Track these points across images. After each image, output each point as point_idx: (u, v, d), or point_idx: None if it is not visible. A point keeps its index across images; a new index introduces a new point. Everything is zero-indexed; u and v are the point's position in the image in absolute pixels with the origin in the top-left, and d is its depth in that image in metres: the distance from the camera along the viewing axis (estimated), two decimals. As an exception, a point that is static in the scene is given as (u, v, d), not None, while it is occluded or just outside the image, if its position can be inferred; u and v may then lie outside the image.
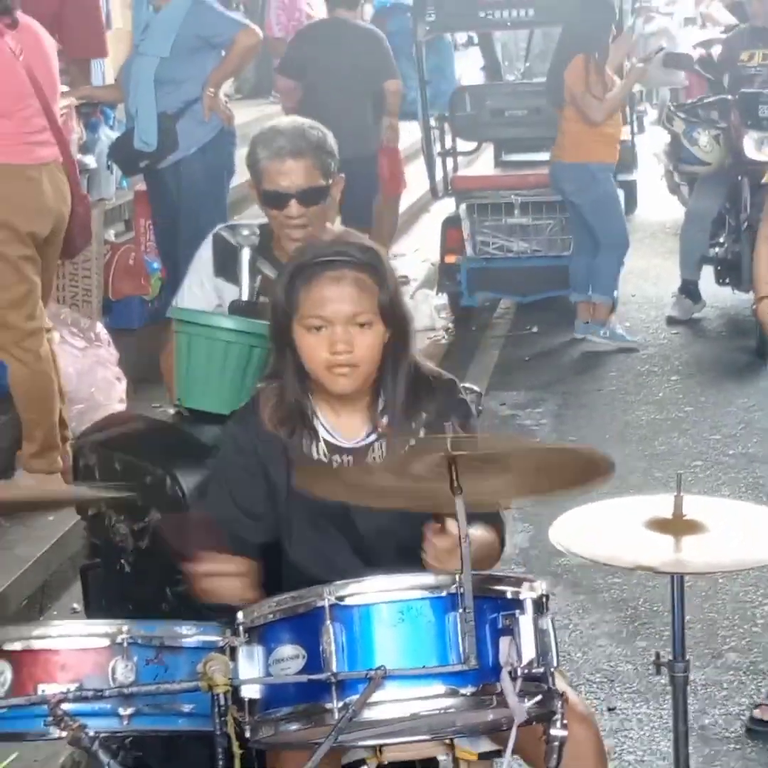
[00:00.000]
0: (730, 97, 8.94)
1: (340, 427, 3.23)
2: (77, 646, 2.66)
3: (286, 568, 3.27)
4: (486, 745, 3.24)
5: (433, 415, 3.20)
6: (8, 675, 2.63)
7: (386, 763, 3.27)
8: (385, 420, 3.22)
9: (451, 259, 9.32)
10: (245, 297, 3.83)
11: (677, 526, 2.93)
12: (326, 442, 3.22)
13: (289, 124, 3.96)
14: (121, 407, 6.33)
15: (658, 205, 11.96)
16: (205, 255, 4.07)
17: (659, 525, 2.94)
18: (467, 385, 3.95)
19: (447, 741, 3.26)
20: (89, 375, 6.32)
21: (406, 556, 3.08)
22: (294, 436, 3.20)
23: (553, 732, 2.69)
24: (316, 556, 3.22)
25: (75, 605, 5.08)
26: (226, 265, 3.98)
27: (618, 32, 9.30)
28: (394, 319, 3.16)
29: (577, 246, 8.91)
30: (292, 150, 3.83)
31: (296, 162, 3.83)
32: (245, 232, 3.84)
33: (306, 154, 3.84)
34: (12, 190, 5.62)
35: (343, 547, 3.23)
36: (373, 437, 3.22)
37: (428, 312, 9.40)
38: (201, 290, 4.05)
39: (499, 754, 3.25)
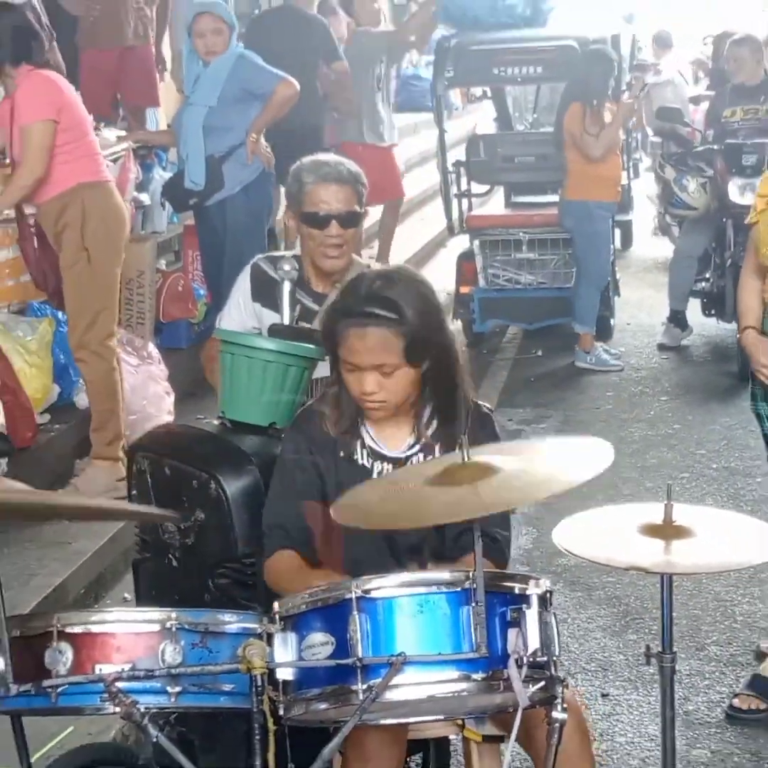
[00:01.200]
0: (716, 147, 8.95)
1: (385, 437, 3.25)
2: (131, 630, 2.68)
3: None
4: (490, 729, 3.25)
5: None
6: (69, 655, 2.64)
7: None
8: (429, 432, 3.23)
9: (465, 289, 9.32)
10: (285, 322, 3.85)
11: (667, 531, 2.92)
12: (370, 448, 3.24)
13: (330, 157, 4.04)
14: (169, 418, 6.34)
15: (650, 243, 11.95)
16: (244, 283, 4.09)
17: (651, 530, 2.93)
18: (479, 402, 3.96)
19: (458, 722, 3.27)
20: (142, 389, 6.33)
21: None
22: (345, 436, 3.23)
23: (554, 714, 2.69)
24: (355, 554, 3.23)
25: (126, 595, 5.09)
26: (262, 292, 4.00)
27: (616, 86, 9.32)
28: (428, 354, 3.13)
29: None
30: (337, 177, 3.89)
31: (339, 187, 3.88)
32: (286, 267, 3.86)
33: (347, 181, 3.89)
34: (113, 207, 5.71)
35: (378, 548, 3.24)
36: (415, 448, 3.24)
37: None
38: (239, 314, 4.08)
39: (500, 739, 3.25)
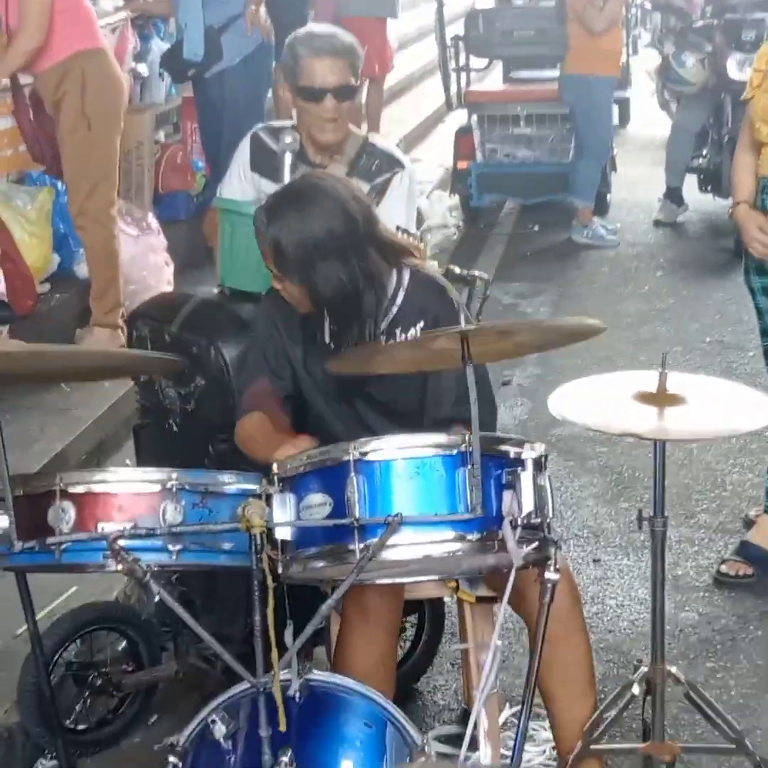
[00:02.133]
0: (715, 22, 8.81)
1: None
2: (132, 490, 2.70)
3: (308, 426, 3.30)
4: (483, 591, 3.30)
5: (430, 319, 3.21)
6: (72, 514, 2.67)
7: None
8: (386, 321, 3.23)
9: (463, 164, 9.24)
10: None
11: (661, 399, 2.93)
12: (332, 330, 3.22)
13: (324, 29, 3.95)
14: (168, 289, 6.32)
15: (649, 120, 11.82)
16: (243, 152, 4.04)
17: (645, 398, 2.94)
18: (477, 273, 3.95)
19: (452, 584, 3.30)
20: (141, 259, 6.31)
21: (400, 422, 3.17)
22: (305, 317, 3.23)
23: (547, 575, 2.72)
24: (329, 419, 3.29)
25: (127, 461, 5.10)
26: (261, 162, 3.96)
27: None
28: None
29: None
30: (331, 50, 3.80)
31: (333, 60, 3.79)
32: (288, 139, 3.80)
33: (342, 54, 3.81)
34: (111, 74, 5.64)
35: (343, 412, 3.28)
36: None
37: (442, 211, 9.37)
38: (239, 183, 4.05)
39: (493, 600, 3.29)
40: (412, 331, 3.23)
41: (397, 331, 3.23)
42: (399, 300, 3.24)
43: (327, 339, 3.21)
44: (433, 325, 3.18)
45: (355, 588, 2.70)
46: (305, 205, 3.07)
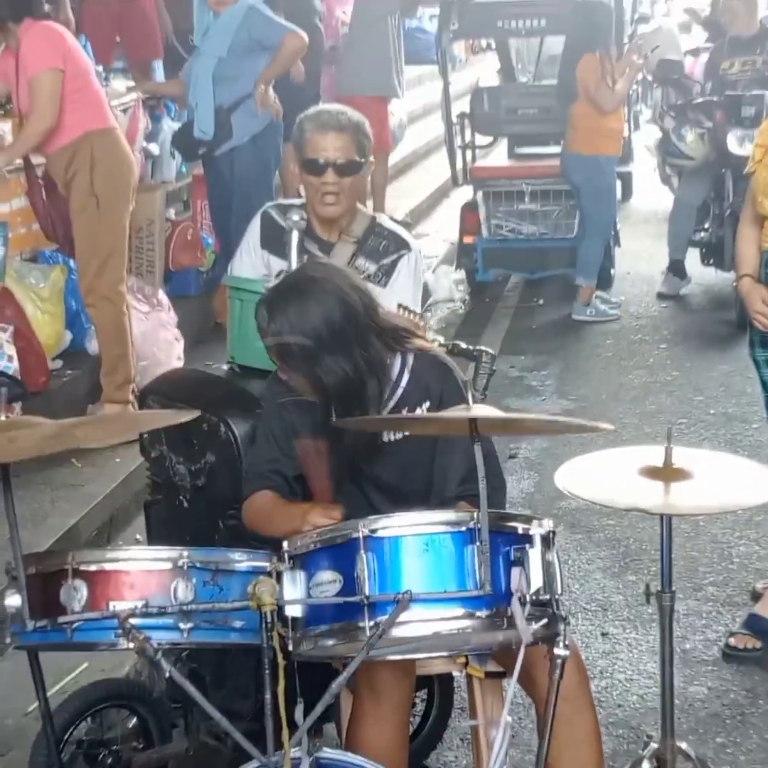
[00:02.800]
0: (715, 99, 8.90)
1: None
2: (144, 568, 2.70)
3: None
4: (492, 666, 3.27)
5: (436, 399, 3.22)
6: (84, 592, 2.66)
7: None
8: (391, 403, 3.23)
9: (468, 239, 9.28)
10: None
11: (667, 473, 2.92)
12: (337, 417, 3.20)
13: (333, 106, 4.00)
14: (179, 364, 6.36)
15: (651, 194, 11.89)
16: (254, 230, 4.07)
17: (651, 472, 2.93)
18: (483, 348, 3.95)
19: (460, 660, 3.28)
20: (152, 336, 6.34)
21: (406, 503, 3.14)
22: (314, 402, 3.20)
23: (556, 651, 2.71)
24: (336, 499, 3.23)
25: (138, 536, 5.10)
26: (271, 240, 3.98)
27: (618, 40, 9.25)
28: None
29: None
30: (335, 125, 3.84)
31: (337, 136, 3.82)
32: (295, 217, 3.83)
33: (346, 130, 3.84)
34: (121, 154, 5.69)
35: (356, 493, 3.26)
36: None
37: (448, 285, 9.41)
38: (250, 260, 4.06)
39: (502, 675, 3.27)
40: (418, 411, 3.24)
41: (404, 411, 3.23)
42: (404, 381, 3.25)
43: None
44: (439, 404, 3.19)
45: (366, 666, 2.69)
46: (304, 298, 3.06)
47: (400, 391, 3.24)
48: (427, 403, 3.23)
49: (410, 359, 3.26)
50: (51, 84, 5.45)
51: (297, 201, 4.06)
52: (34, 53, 5.45)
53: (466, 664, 3.29)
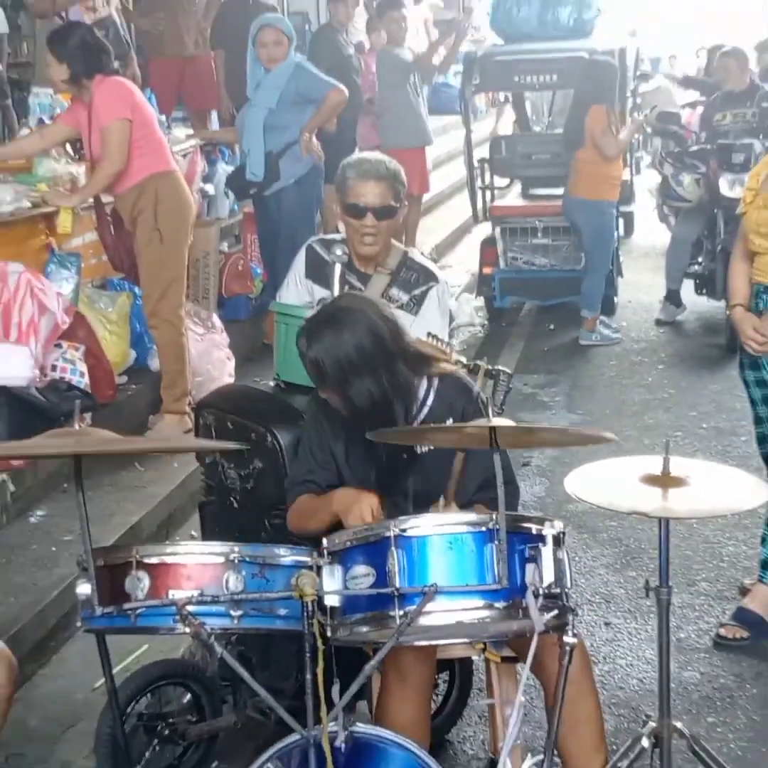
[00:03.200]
0: (709, 147, 8.87)
1: None
2: (200, 561, 2.70)
3: None
4: (507, 652, 3.27)
5: (459, 415, 3.22)
6: (146, 582, 2.67)
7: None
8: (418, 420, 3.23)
9: (487, 270, 9.28)
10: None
11: (665, 481, 2.91)
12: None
13: (373, 155, 3.97)
14: (230, 380, 6.36)
15: (650, 231, 11.86)
16: (299, 262, 4.07)
17: (651, 480, 2.92)
18: (501, 367, 3.94)
19: (479, 646, 3.28)
20: (206, 355, 6.35)
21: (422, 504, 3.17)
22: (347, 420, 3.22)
23: (566, 639, 2.71)
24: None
25: (193, 532, 5.10)
26: (314, 271, 3.99)
27: (621, 95, 9.25)
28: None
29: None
30: (375, 174, 3.82)
31: (376, 184, 3.81)
32: (338, 252, 3.84)
33: (384, 178, 3.83)
34: (181, 193, 5.71)
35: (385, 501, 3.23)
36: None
37: (469, 311, 9.41)
38: (295, 289, 4.06)
39: (516, 660, 3.27)
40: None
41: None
42: (430, 400, 3.25)
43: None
44: (461, 420, 3.19)
45: (393, 650, 2.68)
46: (338, 328, 3.06)
47: (426, 409, 3.24)
48: (450, 420, 3.22)
49: (435, 381, 3.26)
50: (120, 132, 5.47)
51: (338, 236, 4.06)
52: (105, 105, 5.48)
53: (484, 649, 3.29)
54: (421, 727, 3.09)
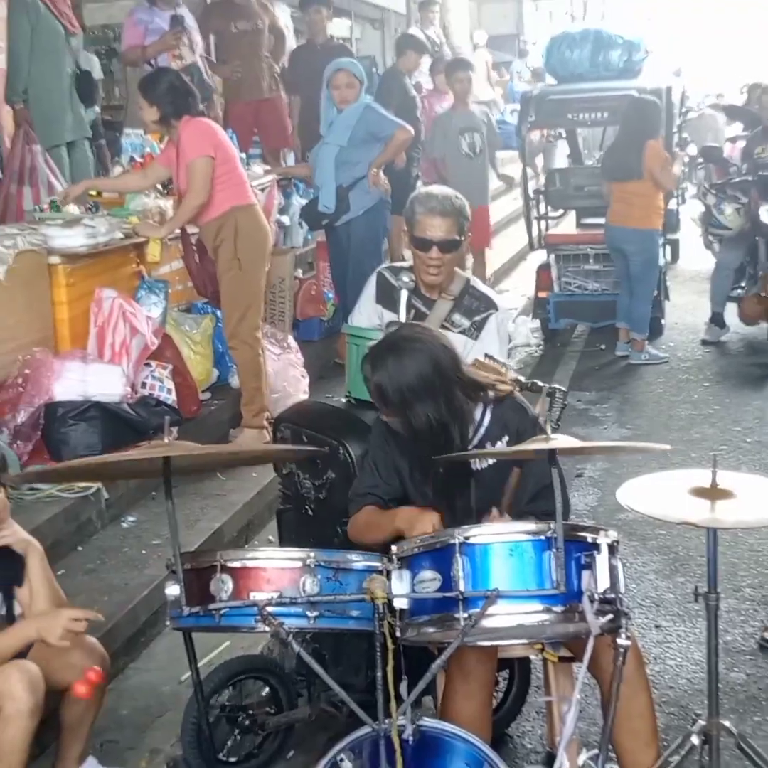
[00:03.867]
0: (750, 178, 8.78)
1: None
2: (279, 565, 2.71)
3: None
4: (564, 652, 3.24)
5: (514, 433, 3.20)
6: (230, 585, 2.68)
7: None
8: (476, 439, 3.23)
9: (542, 294, 9.25)
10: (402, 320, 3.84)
11: (713, 493, 2.88)
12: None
13: (440, 191, 3.93)
14: (305, 397, 6.37)
15: (695, 257, 11.75)
16: (370, 287, 4.08)
17: (699, 492, 2.89)
18: (556, 385, 3.92)
19: (537, 646, 3.25)
20: (282, 373, 6.37)
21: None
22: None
23: (619, 641, 2.68)
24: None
25: (270, 538, 5.14)
26: (384, 296, 3.99)
27: (669, 129, 9.18)
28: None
29: (623, 288, 8.78)
30: (441, 210, 3.82)
31: (443, 219, 3.81)
32: (405, 278, 3.85)
33: (450, 214, 3.82)
34: (260, 225, 5.75)
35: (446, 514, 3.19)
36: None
37: (525, 332, 9.38)
38: (366, 312, 4.06)
39: (572, 660, 3.24)
40: (499, 444, 3.22)
41: (487, 445, 3.23)
42: (486, 421, 3.23)
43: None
44: (517, 438, 3.17)
45: (457, 650, 2.67)
46: (400, 355, 3.06)
47: (482, 429, 3.23)
48: (506, 438, 3.21)
49: (491, 403, 3.25)
50: (204, 168, 5.53)
51: (405, 264, 4.06)
52: (190, 143, 5.53)
53: (542, 649, 3.26)
54: (483, 722, 3.06)
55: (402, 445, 3.23)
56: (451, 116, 9.44)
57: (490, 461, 3.23)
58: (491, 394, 3.24)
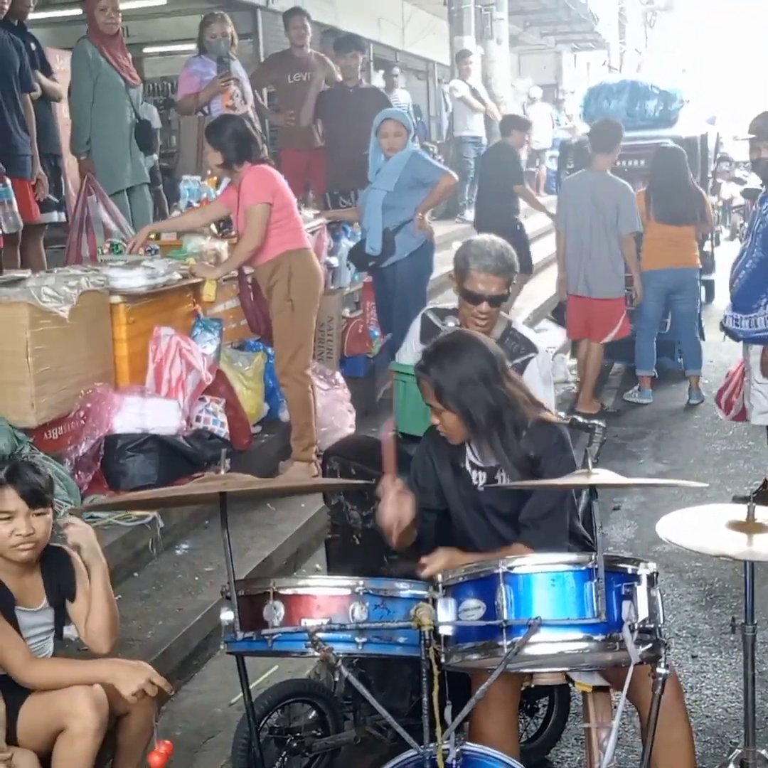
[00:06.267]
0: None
1: (480, 454, 3.27)
2: (329, 593, 2.72)
3: (451, 528, 3.36)
4: (598, 681, 3.21)
5: (536, 458, 3.19)
6: (281, 611, 2.69)
7: (533, 686, 3.27)
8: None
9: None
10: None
11: (750, 527, 2.86)
12: (470, 461, 3.28)
13: (495, 249, 3.89)
14: (352, 431, 6.37)
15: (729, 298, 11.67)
16: (415, 328, 4.09)
17: (736, 526, 2.87)
18: (596, 422, 3.92)
19: (561, 677, 3.21)
20: (330, 408, 6.39)
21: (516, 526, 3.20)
22: (457, 449, 3.29)
23: (658, 670, 2.65)
24: (465, 526, 3.31)
25: (318, 566, 5.13)
26: (429, 337, 3.97)
27: (703, 174, 9.16)
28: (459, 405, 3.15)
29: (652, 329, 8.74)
30: (495, 269, 3.83)
31: (495, 277, 3.82)
32: (451, 323, 3.88)
33: (503, 273, 3.84)
34: (312, 268, 5.79)
35: (478, 521, 3.29)
36: (495, 462, 3.25)
37: (563, 370, 9.32)
38: (411, 351, 4.07)
39: (607, 688, 3.20)
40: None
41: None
42: (522, 436, 3.22)
43: (467, 466, 3.27)
44: (537, 458, 3.17)
45: (478, 674, 2.66)
46: (457, 351, 3.18)
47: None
48: (531, 453, 3.20)
49: (530, 421, 3.24)
50: (261, 215, 5.57)
51: (449, 305, 4.07)
52: (250, 189, 5.58)
53: (571, 681, 3.22)
54: (508, 741, 3.06)
55: (443, 458, 3.31)
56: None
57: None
58: (534, 413, 3.25)
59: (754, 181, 13.75)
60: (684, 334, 8.70)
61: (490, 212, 9.34)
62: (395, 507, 3.16)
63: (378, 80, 15.41)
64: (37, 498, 3.08)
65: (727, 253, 11.64)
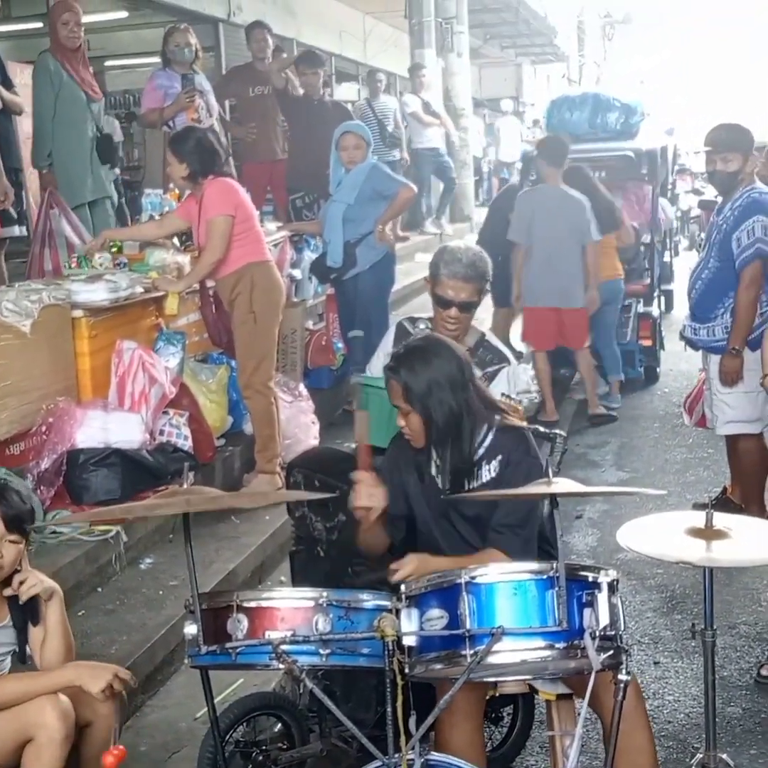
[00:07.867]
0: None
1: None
2: (292, 605, 2.72)
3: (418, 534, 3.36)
4: (562, 689, 3.22)
5: (505, 461, 3.22)
6: (245, 624, 2.69)
7: (497, 695, 3.28)
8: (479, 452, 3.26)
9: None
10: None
11: (708, 534, 2.88)
12: (436, 465, 3.29)
13: (467, 256, 3.92)
14: (316, 443, 6.38)
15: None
16: (388, 337, 4.11)
17: (695, 532, 2.90)
18: (557, 431, 3.94)
19: (524, 686, 3.22)
20: (294, 420, 6.38)
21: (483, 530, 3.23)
22: (420, 454, 3.29)
23: (620, 676, 2.67)
24: (431, 530, 3.31)
25: (282, 578, 5.12)
26: (402, 342, 4.00)
27: (663, 185, 9.22)
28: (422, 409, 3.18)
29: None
30: (465, 276, 3.86)
31: (465, 284, 3.85)
32: (421, 326, 3.90)
33: (473, 280, 3.87)
34: (274, 280, 5.79)
35: (444, 525, 3.30)
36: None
37: (526, 380, 9.32)
38: (383, 361, 4.06)
39: (571, 696, 3.22)
40: (493, 463, 3.25)
41: (483, 463, 3.26)
42: (487, 441, 3.26)
43: (433, 471, 3.27)
44: (506, 462, 3.21)
45: (442, 683, 2.67)
46: (428, 355, 3.21)
47: (482, 449, 3.25)
48: (500, 456, 3.23)
49: (495, 425, 3.28)
50: (223, 227, 5.55)
51: (424, 315, 4.09)
52: (212, 201, 5.55)
53: (534, 690, 3.24)
54: (473, 750, 3.06)
55: (408, 464, 3.32)
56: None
57: (485, 480, 3.24)
58: (498, 417, 3.28)
59: (710, 193, 13.92)
60: (605, 342, 8.75)
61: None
62: (367, 497, 3.21)
63: (343, 92, 15.44)
64: (16, 525, 3.06)
65: (685, 263, 11.78)
